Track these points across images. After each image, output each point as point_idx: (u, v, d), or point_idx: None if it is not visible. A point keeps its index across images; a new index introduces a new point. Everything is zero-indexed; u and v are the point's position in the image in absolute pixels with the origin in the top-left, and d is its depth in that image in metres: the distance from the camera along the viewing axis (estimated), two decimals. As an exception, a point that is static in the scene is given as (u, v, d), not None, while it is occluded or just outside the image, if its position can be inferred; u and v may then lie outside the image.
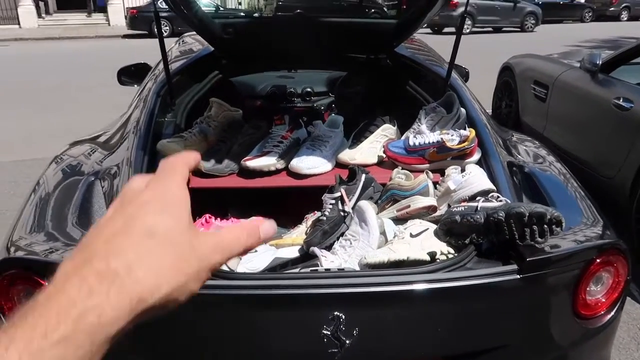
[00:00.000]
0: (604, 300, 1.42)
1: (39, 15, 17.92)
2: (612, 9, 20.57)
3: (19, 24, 17.24)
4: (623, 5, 20.76)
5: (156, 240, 0.37)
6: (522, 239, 1.30)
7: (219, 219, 1.66)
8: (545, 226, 1.29)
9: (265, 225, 0.44)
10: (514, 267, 1.27)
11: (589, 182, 3.28)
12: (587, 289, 1.38)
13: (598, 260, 1.36)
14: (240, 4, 20.95)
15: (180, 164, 0.44)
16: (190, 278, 0.38)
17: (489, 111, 5.39)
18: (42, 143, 4.64)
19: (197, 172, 1.66)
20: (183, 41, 2.75)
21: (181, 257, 0.38)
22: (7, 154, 4.57)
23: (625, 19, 20.63)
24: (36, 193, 1.59)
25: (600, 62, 3.54)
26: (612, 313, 1.43)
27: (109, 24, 18.06)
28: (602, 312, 1.42)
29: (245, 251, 0.43)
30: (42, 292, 0.33)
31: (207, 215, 1.64)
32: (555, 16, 19.38)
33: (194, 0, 1.77)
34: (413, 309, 1.26)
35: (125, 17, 15.24)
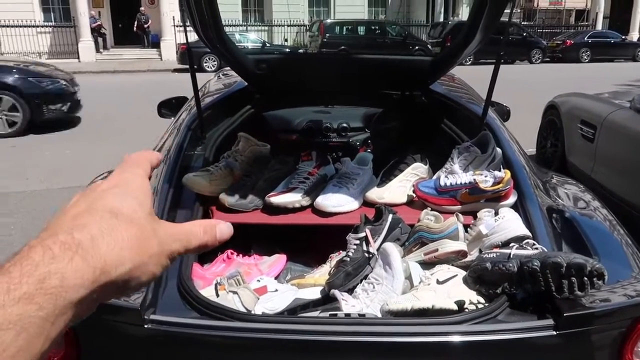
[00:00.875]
0: (654, 363, 1.28)
1: (97, 50, 18.95)
2: (666, 47, 19.92)
3: (78, 58, 18.28)
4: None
5: (120, 220, 0.38)
6: (559, 292, 1.20)
7: (241, 254, 1.62)
8: (586, 278, 1.19)
9: (222, 225, 0.45)
10: (550, 322, 1.17)
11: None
12: (635, 349, 1.25)
13: (647, 318, 1.23)
14: (286, 40, 21.54)
15: (142, 159, 0.46)
16: (152, 260, 0.39)
17: (533, 150, 5.23)
18: (88, 170, 4.80)
19: (220, 206, 1.64)
20: (221, 75, 2.80)
21: (143, 238, 0.39)
22: (56, 181, 4.75)
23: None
24: None
25: (653, 102, 3.38)
26: None
27: (161, 59, 18.89)
28: (652, 377, 1.28)
29: (201, 247, 0.44)
30: (7, 261, 0.34)
31: (230, 251, 1.62)
32: (606, 55, 18.92)
33: (227, 36, 1.79)
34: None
35: (177, 52, 15.94)
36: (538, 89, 9.93)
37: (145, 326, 1.15)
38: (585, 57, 18.78)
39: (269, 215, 1.63)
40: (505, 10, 1.74)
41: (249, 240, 1.75)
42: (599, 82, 10.04)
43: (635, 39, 21.92)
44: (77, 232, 0.36)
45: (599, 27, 23.15)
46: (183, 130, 1.92)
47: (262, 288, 1.43)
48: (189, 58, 1.73)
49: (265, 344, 1.16)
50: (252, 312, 1.33)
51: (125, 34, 20.22)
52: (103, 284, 0.35)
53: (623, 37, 20.28)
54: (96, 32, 18.96)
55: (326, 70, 2.16)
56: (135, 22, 19.58)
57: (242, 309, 1.30)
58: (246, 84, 2.28)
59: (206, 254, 1.66)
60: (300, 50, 15.94)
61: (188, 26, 1.74)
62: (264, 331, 1.14)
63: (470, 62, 15.10)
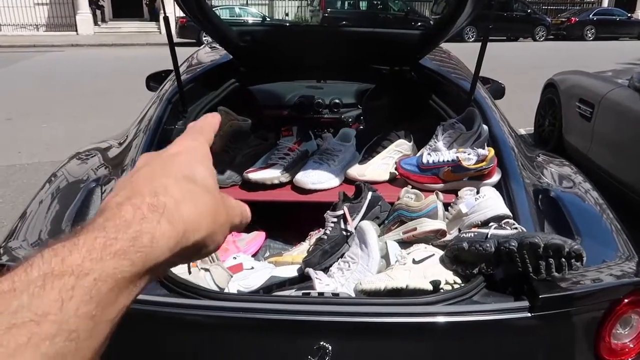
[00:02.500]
0: (632, 345, 1.26)
1: (95, 23, 18.68)
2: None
3: (76, 30, 18.03)
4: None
5: (196, 185, 0.38)
6: (536, 273, 1.17)
7: (218, 232, 1.59)
8: (563, 260, 1.16)
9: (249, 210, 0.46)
10: (526, 303, 1.14)
11: (635, 207, 3.07)
12: (613, 331, 1.23)
13: (626, 301, 1.20)
14: (287, 14, 21.25)
15: (207, 126, 0.46)
16: (221, 229, 0.40)
17: (531, 129, 5.17)
18: (79, 144, 4.77)
19: (198, 182, 1.60)
20: (206, 48, 2.73)
21: (216, 206, 0.39)
22: (48, 155, 4.71)
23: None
24: (37, 198, 1.58)
25: (652, 81, 3.31)
26: None
27: (160, 32, 18.63)
28: None
29: (240, 227, 0.44)
30: (99, 216, 0.35)
31: (207, 228, 1.58)
32: (611, 33, 18.62)
33: (208, 4, 1.73)
34: (409, 344, 1.14)
35: (176, 26, 15.71)
36: (541, 66, 9.78)
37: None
38: (589, 35, 18.49)
39: (247, 192, 1.60)
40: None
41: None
42: (602, 60, 9.88)
43: (640, 17, 21.56)
44: (162, 194, 0.36)
45: (605, 4, 22.73)
46: (164, 103, 1.87)
47: (237, 265, 1.41)
48: (166, 27, 1.67)
49: (234, 323, 1.14)
50: (225, 290, 1.31)
51: (125, 7, 19.90)
52: (180, 249, 0.36)
53: (629, 14, 19.91)
54: (94, 4, 18.66)
55: (312, 44, 2.10)
56: None
57: (214, 287, 1.28)
58: (231, 57, 2.22)
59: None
60: (272, 22, 15.70)
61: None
62: (232, 310, 1.12)
63: (473, 39, 14.90)
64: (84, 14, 18.16)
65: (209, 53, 2.60)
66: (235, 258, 1.43)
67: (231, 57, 2.21)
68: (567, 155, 3.38)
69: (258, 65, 2.18)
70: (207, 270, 1.29)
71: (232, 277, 1.34)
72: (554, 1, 23.44)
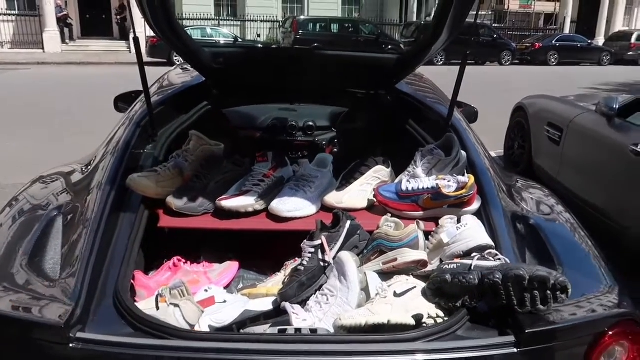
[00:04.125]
0: (617, 378, 1.23)
1: (63, 41, 18.32)
2: (630, 53, 20.42)
3: (43, 48, 17.64)
4: (642, 50, 20.66)
5: None
6: (521, 306, 1.14)
7: (189, 262, 1.51)
8: (549, 292, 1.13)
9: None
10: (512, 339, 1.10)
11: (604, 231, 3.11)
12: (598, 364, 1.20)
13: (610, 333, 1.18)
14: (259, 36, 21.33)
15: None
16: None
17: (501, 151, 5.24)
18: (45, 165, 4.60)
19: (168, 210, 1.53)
20: (177, 69, 2.67)
21: None
22: (11, 175, 4.53)
23: (644, 63, 20.50)
24: None
25: (618, 107, 3.39)
26: None
27: (130, 52, 18.39)
28: (616, 392, 1.23)
29: None
30: None
31: (177, 258, 1.50)
32: (573, 58, 19.33)
33: (179, 24, 1.67)
34: (391, 383, 1.08)
35: (146, 45, 15.53)
36: (507, 90, 10.04)
37: (71, 345, 1.03)
38: (553, 60, 19.13)
39: (220, 220, 1.53)
40: (472, 12, 1.68)
41: (198, 247, 1.63)
42: (566, 84, 10.22)
43: (600, 43, 22.41)
44: None
45: (567, 31, 23.62)
46: (132, 125, 1.79)
47: (209, 299, 1.33)
48: (136, 47, 1.61)
49: None
50: (196, 327, 1.23)
51: (93, 25, 19.61)
52: None
53: (589, 41, 20.73)
54: (62, 22, 18.32)
55: (287, 66, 2.06)
56: (115, 13, 18.97)
57: (183, 324, 1.20)
58: (204, 78, 2.16)
59: (152, 261, 1.55)
60: (259, 45, 15.75)
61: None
62: (202, 350, 1.04)
63: (442, 63, 15.22)
64: (51, 32, 17.79)
65: (180, 74, 2.54)
66: (206, 291, 1.35)
67: (203, 79, 2.15)
68: (536, 179, 3.42)
69: (231, 87, 2.13)
70: (176, 305, 1.21)
71: (203, 312, 1.25)
72: (518, 27, 24.26)
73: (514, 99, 5.13)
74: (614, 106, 3.40)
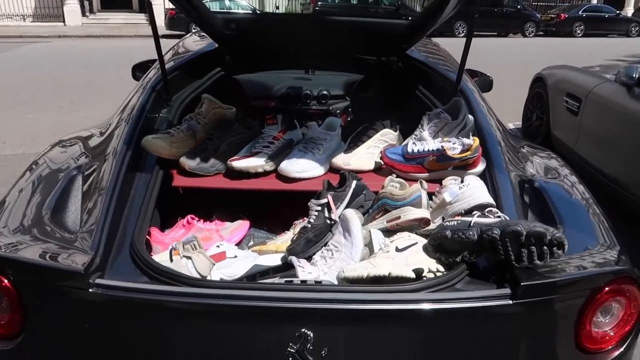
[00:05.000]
0: (612, 333, 1.27)
1: (83, 14, 18.44)
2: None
3: (64, 21, 17.79)
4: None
5: None
6: (518, 261, 1.17)
7: (202, 220, 1.58)
8: (545, 247, 1.16)
9: None
10: (508, 291, 1.14)
11: (621, 200, 3.09)
12: (594, 319, 1.23)
13: (607, 289, 1.21)
14: (277, 7, 21.14)
15: None
16: None
17: (519, 123, 5.19)
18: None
19: (181, 170, 1.59)
20: (193, 36, 2.70)
21: None
22: (33, 145, 4.65)
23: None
24: (17, 186, 1.55)
25: (638, 76, 3.33)
26: (622, 349, 1.27)
27: (149, 24, 18.46)
28: (610, 347, 1.26)
29: None
30: None
31: (190, 216, 1.57)
32: (600, 29, 18.74)
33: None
34: (390, 331, 1.14)
35: (165, 18, 15.54)
36: (529, 62, 9.83)
37: (90, 290, 1.11)
38: (578, 31, 18.58)
39: (231, 180, 1.58)
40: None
41: (211, 206, 1.70)
42: (591, 56, 9.95)
43: (629, 14, 21.65)
44: None
45: (594, 1, 22.87)
46: (147, 91, 1.85)
47: (220, 254, 1.39)
48: (149, 11, 1.65)
49: (215, 310, 1.12)
50: (207, 278, 1.30)
51: (113, -3, 19.67)
52: None
53: (617, 12, 20.04)
54: (82, -6, 18.41)
55: (299, 33, 2.08)
56: None
57: (195, 274, 1.27)
58: (216, 45, 2.20)
59: (167, 219, 1.62)
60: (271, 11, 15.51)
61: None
62: (214, 297, 1.10)
63: (463, 35, 14.91)
64: (71, 5, 17.91)
65: (195, 41, 2.57)
66: (218, 246, 1.42)
67: (217, 45, 2.19)
68: (554, 149, 3.40)
69: (244, 53, 2.16)
70: (189, 258, 1.28)
71: (214, 265, 1.32)
72: (544, -3, 23.54)
73: (535, 71, 5.05)
74: (634, 75, 3.33)
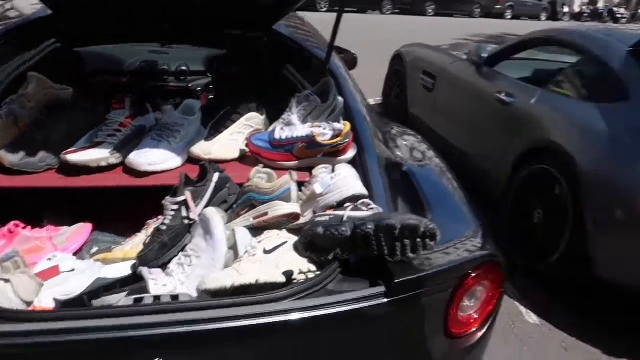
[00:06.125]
0: (476, 316, 1.30)
1: None
2: (497, 7, 21.89)
3: None
4: (507, 4, 22.24)
5: None
6: (392, 255, 1.12)
7: (29, 227, 1.30)
8: (419, 240, 1.12)
9: None
10: (382, 289, 1.09)
11: (471, 175, 3.32)
12: (460, 304, 1.25)
13: (473, 275, 1.22)
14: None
15: None
16: None
17: (379, 99, 5.35)
18: None
19: (1, 167, 1.29)
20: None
21: None
22: None
23: (509, 17, 22.12)
24: None
25: (486, 55, 3.56)
26: (485, 330, 1.31)
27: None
28: (474, 329, 1.29)
29: None
30: None
31: (14, 223, 1.28)
32: (448, 9, 20.23)
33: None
34: (261, 346, 1.02)
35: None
36: (388, 39, 10.26)
37: None
38: (430, 10, 19.86)
39: (67, 177, 1.32)
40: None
41: (41, 209, 1.41)
42: (442, 35, 10.67)
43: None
44: None
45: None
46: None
47: (52, 269, 1.15)
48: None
49: (45, 351, 0.90)
50: (35, 303, 1.06)
51: None
52: None
53: (463, -7, 21.80)
54: None
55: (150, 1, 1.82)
56: None
57: (17, 302, 1.02)
58: (50, 10, 1.84)
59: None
60: None
61: None
62: (37, 334, 0.88)
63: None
64: None
65: (20, 6, 2.15)
66: (50, 259, 1.17)
67: (50, 11, 1.83)
68: (411, 125, 3.52)
69: (82, 21, 1.83)
70: (7, 281, 1.02)
71: (42, 285, 1.08)
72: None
73: (394, 49, 5.21)
74: (483, 55, 3.56)
